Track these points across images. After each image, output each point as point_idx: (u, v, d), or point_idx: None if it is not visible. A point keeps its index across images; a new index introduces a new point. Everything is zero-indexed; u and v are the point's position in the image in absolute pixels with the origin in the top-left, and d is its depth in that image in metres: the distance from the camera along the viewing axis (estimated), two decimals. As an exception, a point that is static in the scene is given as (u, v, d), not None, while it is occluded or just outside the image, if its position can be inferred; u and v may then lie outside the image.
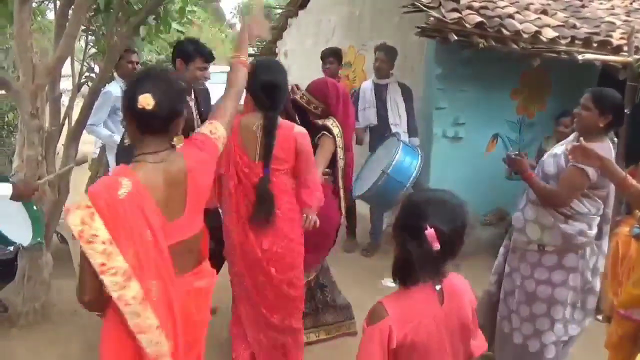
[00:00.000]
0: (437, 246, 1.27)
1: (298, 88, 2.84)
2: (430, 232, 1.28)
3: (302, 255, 2.43)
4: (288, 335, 2.48)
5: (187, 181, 1.51)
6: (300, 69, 6.83)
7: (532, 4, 4.49)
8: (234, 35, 27.89)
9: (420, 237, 1.29)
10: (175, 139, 1.53)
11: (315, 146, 2.69)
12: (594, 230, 2.43)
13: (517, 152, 2.68)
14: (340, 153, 2.87)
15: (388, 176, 3.39)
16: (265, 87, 2.24)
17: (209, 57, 2.91)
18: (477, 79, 4.53)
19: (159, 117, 1.43)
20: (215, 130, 1.64)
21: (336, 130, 2.81)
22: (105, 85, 3.64)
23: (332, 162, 2.85)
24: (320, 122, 2.82)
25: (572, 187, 2.30)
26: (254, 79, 2.20)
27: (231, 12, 35.96)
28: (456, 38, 3.65)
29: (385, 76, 4.39)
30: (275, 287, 2.36)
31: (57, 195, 3.12)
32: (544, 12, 4.36)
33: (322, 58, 4.57)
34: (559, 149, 2.48)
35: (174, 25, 5.43)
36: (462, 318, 1.41)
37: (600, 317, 3.36)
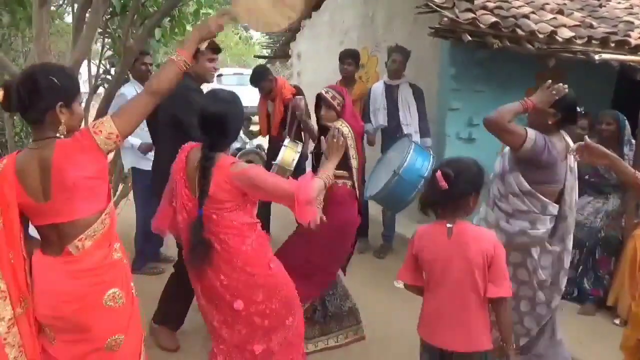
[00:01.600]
0: (443, 185, 1.82)
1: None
2: (438, 173, 1.84)
3: (276, 296, 2.21)
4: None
5: (52, 170, 1.61)
6: (314, 70, 6.86)
7: (547, 3, 4.43)
8: (247, 37, 28.10)
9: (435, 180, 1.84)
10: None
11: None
12: (541, 230, 2.40)
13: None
14: (352, 152, 2.85)
15: (399, 177, 3.36)
16: (205, 119, 2.05)
17: (216, 48, 2.88)
18: (491, 79, 4.49)
19: (22, 109, 1.63)
20: (99, 125, 1.65)
21: (346, 130, 2.79)
22: (120, 87, 3.69)
23: (345, 163, 2.80)
24: (330, 124, 2.81)
25: None
26: (202, 111, 2.07)
27: (246, 15, 36.26)
28: (470, 39, 3.63)
29: (398, 77, 4.38)
30: (243, 322, 2.18)
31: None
32: (560, 12, 4.30)
33: (340, 59, 4.57)
34: (507, 148, 2.48)
35: (189, 27, 5.50)
36: (466, 254, 1.86)
37: (617, 320, 3.30)
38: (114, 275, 1.73)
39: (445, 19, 3.66)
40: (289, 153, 3.11)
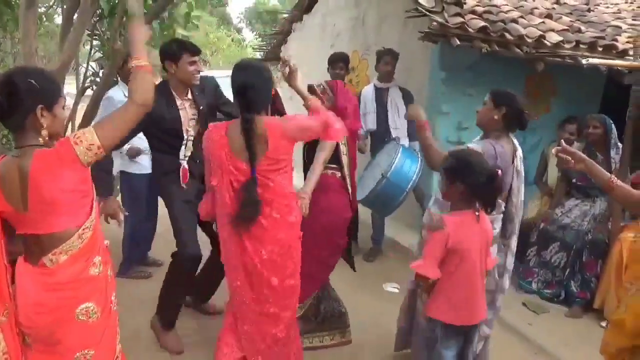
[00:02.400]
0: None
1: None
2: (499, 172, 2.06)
3: (299, 264, 2.37)
4: (292, 343, 2.45)
5: (29, 181, 1.56)
6: (305, 73, 6.83)
7: (536, 8, 4.47)
8: (240, 39, 28.05)
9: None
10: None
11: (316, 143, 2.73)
12: (496, 229, 2.48)
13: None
14: (343, 149, 2.89)
15: (388, 180, 3.38)
16: (239, 89, 2.20)
17: (195, 50, 2.88)
18: (481, 83, 4.51)
19: (2, 115, 1.58)
20: (80, 136, 1.60)
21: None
22: (108, 89, 3.67)
23: (336, 158, 2.86)
24: None
25: None
26: (232, 82, 2.21)
27: (238, 17, 36.31)
28: (459, 43, 3.64)
29: (388, 80, 4.39)
30: (277, 296, 2.30)
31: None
32: (549, 16, 4.34)
33: (330, 63, 4.57)
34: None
35: (179, 30, 5.49)
36: (487, 237, 2.13)
37: (604, 323, 3.33)
38: (90, 290, 1.70)
39: (435, 23, 3.67)
40: None
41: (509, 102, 2.45)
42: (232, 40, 26.88)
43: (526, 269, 3.95)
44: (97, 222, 1.74)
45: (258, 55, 8.49)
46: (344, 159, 2.90)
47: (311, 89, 2.83)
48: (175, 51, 2.81)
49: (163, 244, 4.21)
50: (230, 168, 2.21)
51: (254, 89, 2.18)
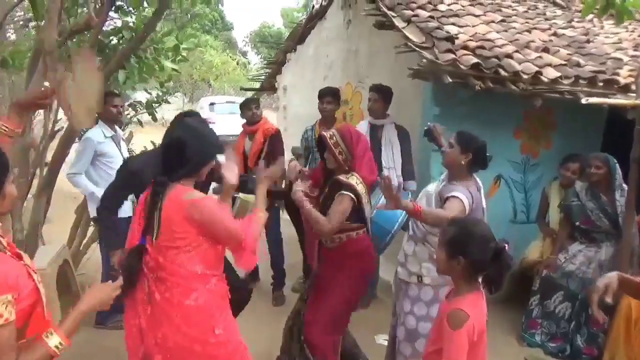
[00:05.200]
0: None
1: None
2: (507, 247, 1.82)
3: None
4: None
5: None
6: (300, 104, 6.71)
7: (532, 41, 4.29)
8: (245, 62, 28.23)
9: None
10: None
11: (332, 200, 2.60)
12: None
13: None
14: (368, 209, 2.77)
15: (372, 222, 3.20)
16: (163, 145, 1.99)
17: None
18: (477, 118, 4.31)
19: None
20: None
21: (360, 187, 2.64)
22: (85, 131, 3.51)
23: (359, 217, 2.73)
24: (344, 178, 2.63)
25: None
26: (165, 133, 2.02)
27: (243, 40, 36.78)
28: (450, 80, 3.46)
29: (380, 117, 4.21)
30: None
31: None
32: (545, 49, 4.16)
33: (319, 97, 4.45)
34: (432, 187, 2.72)
35: (168, 63, 5.35)
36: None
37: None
38: None
39: (424, 60, 3.50)
40: (245, 205, 2.87)
41: (476, 148, 2.54)
42: (237, 64, 27.05)
43: (529, 320, 3.69)
44: None
45: (256, 85, 8.37)
46: (367, 209, 2.76)
47: (320, 139, 2.67)
48: None
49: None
50: (134, 228, 2.05)
51: (177, 149, 1.92)
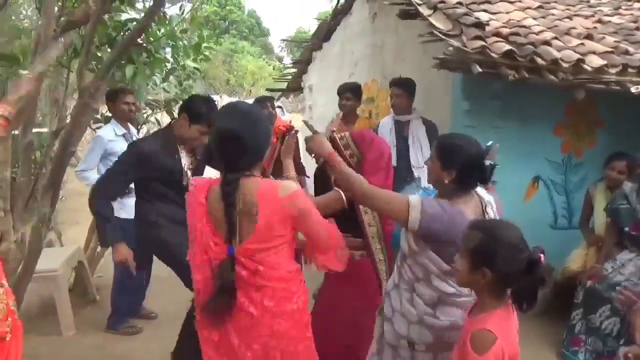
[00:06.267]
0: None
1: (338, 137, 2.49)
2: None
3: (314, 354, 1.92)
4: None
5: None
6: (325, 103, 6.49)
7: (574, 28, 3.90)
8: (281, 67, 28.49)
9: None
10: None
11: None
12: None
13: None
14: (367, 218, 2.40)
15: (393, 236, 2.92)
16: (218, 139, 1.74)
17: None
18: (512, 113, 3.98)
19: None
20: None
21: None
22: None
23: (361, 230, 2.39)
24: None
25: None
26: (210, 132, 1.80)
27: (279, 46, 37.06)
28: (480, 70, 3.14)
29: (405, 112, 3.93)
30: None
31: (27, 255, 2.83)
32: (589, 36, 3.76)
33: (338, 94, 4.24)
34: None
35: (189, 62, 5.24)
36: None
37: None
38: None
39: (450, 48, 3.19)
40: None
41: (461, 163, 1.84)
42: (274, 69, 27.25)
43: (571, 336, 3.30)
44: None
45: (282, 85, 8.23)
46: (370, 230, 2.40)
47: (331, 139, 2.37)
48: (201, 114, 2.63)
49: (164, 290, 3.87)
50: (210, 243, 1.74)
51: (240, 140, 1.70)
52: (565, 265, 3.71)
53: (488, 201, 1.95)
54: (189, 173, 2.75)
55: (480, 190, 1.98)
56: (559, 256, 3.66)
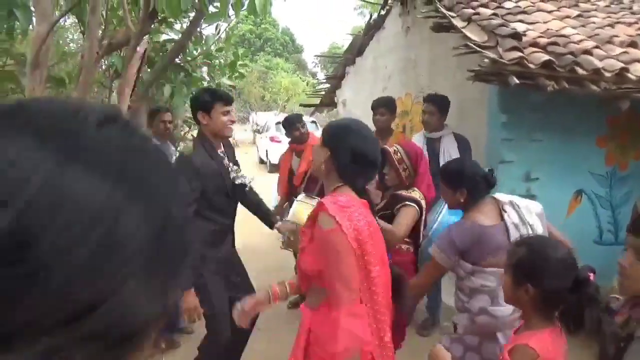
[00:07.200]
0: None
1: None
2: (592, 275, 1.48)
3: None
4: None
5: None
6: (359, 118, 6.45)
7: (617, 36, 3.76)
8: (313, 83, 28.84)
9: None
10: None
11: (392, 216, 2.53)
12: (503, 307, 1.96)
13: None
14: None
15: (429, 240, 2.91)
16: (361, 157, 1.69)
17: (228, 99, 2.58)
18: (552, 125, 3.85)
19: None
20: None
21: (423, 202, 2.63)
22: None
23: (416, 232, 2.63)
24: (405, 193, 2.59)
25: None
26: (345, 146, 1.66)
27: (313, 62, 37.50)
28: (517, 82, 3.07)
29: (437, 129, 3.87)
30: None
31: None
32: (632, 44, 3.62)
33: (372, 109, 4.21)
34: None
35: (224, 80, 5.35)
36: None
37: None
38: None
39: (486, 60, 3.14)
40: (301, 208, 2.66)
41: (468, 181, 2.12)
42: (307, 85, 27.55)
43: None
44: None
45: (315, 100, 8.28)
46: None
47: (384, 151, 2.47)
48: (208, 101, 2.55)
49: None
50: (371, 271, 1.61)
51: (358, 156, 1.68)
52: (611, 284, 3.53)
53: (510, 201, 2.12)
54: (232, 167, 2.68)
55: (498, 194, 2.20)
56: (604, 274, 3.48)
